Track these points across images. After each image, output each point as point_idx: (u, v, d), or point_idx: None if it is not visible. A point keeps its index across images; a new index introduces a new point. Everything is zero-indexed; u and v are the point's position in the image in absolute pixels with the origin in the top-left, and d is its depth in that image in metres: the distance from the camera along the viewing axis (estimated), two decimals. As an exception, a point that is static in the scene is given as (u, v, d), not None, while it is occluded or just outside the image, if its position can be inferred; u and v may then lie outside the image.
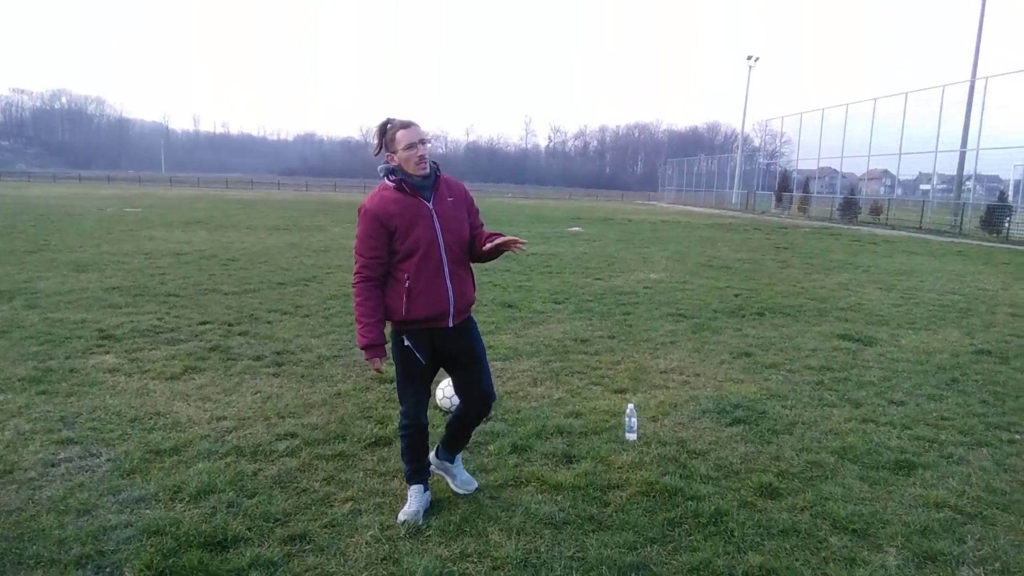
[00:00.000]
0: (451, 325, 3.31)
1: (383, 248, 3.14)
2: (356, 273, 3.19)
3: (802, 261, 14.82)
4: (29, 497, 3.40)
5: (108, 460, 3.87)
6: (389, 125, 3.17)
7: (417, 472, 3.43)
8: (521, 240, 3.26)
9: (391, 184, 3.15)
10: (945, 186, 37.25)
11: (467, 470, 3.78)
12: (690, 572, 2.94)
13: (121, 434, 4.23)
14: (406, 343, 3.25)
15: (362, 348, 3.22)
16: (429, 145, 3.21)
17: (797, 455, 4.20)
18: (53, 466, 3.77)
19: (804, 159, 43.80)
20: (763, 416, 4.85)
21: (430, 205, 3.19)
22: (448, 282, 3.23)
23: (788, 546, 3.16)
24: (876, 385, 5.68)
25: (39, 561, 2.85)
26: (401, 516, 3.31)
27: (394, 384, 5.07)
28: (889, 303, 9.65)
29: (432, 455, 3.66)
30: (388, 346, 3.35)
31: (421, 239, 3.14)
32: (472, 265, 3.47)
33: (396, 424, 4.44)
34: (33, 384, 5.10)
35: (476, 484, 3.65)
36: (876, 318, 8.52)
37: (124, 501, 3.40)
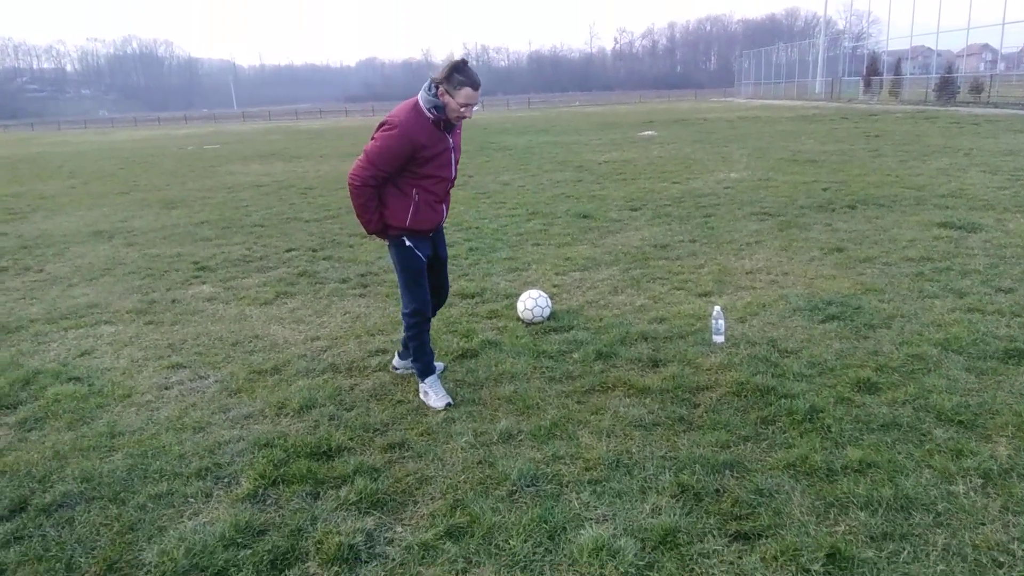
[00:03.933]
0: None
1: (399, 167, 3.36)
2: (363, 179, 3.37)
3: (896, 148, 13.91)
4: (148, 418, 3.66)
5: (216, 381, 4.10)
6: (462, 75, 3.23)
7: (430, 364, 3.73)
8: None
9: (429, 116, 3.29)
10: (1054, 56, 33.83)
11: (554, 378, 3.86)
12: (786, 468, 2.90)
13: (225, 357, 4.47)
14: (407, 243, 3.53)
15: (370, 233, 3.56)
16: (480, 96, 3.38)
17: (897, 349, 4.04)
18: (166, 389, 4.03)
19: (895, 38, 40.79)
20: (858, 311, 4.66)
21: (451, 141, 3.45)
22: (444, 203, 3.60)
23: (889, 440, 3.07)
24: (982, 273, 5.35)
25: (163, 475, 3.08)
26: (440, 404, 3.59)
27: (477, 300, 5.13)
28: (994, 186, 8.98)
29: (399, 361, 4.06)
30: (386, 246, 3.63)
31: (439, 168, 3.44)
32: None
33: (481, 337, 4.52)
34: (140, 315, 5.42)
35: (443, 364, 4.09)
36: (980, 203, 7.96)
37: (234, 418, 3.62)
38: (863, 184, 9.70)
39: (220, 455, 3.24)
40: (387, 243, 3.62)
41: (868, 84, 40.09)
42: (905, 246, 6.27)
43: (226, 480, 3.04)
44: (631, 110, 42.98)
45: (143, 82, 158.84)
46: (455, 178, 3.63)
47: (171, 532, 2.67)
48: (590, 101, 72.82)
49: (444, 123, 3.35)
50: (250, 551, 2.54)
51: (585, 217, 8.48)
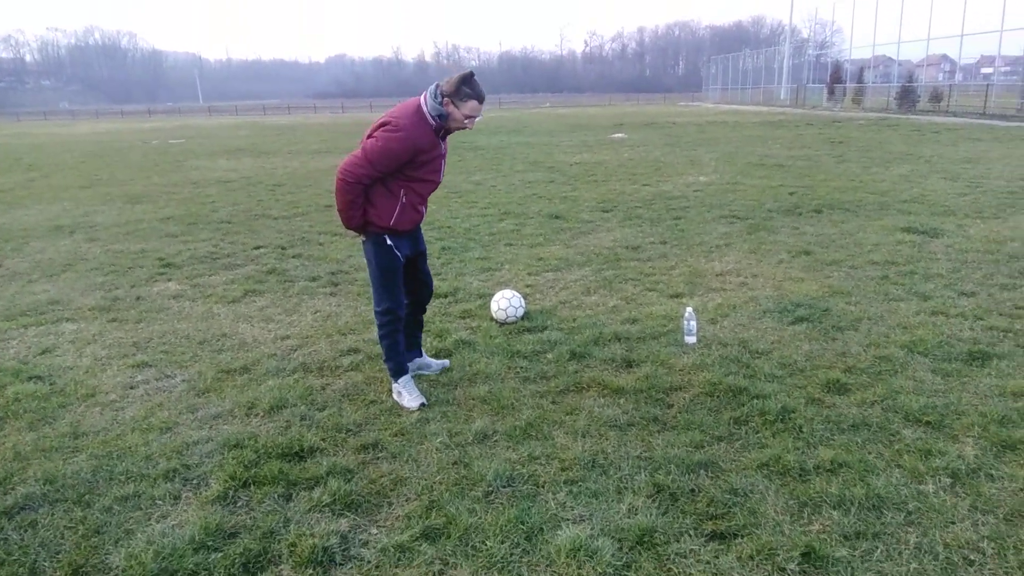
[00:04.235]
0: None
1: (395, 168, 3.36)
2: (357, 176, 3.34)
3: (859, 155, 14.20)
4: (113, 418, 3.56)
5: (183, 380, 4.01)
6: (470, 87, 3.28)
7: (403, 364, 3.70)
8: None
9: (431, 122, 3.33)
10: (1009, 68, 34.89)
11: (528, 378, 3.86)
12: (760, 468, 2.93)
13: (192, 356, 4.37)
14: (388, 242, 3.51)
15: (350, 228, 3.53)
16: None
17: (864, 350, 4.11)
18: (132, 388, 3.92)
19: (857, 47, 41.45)
20: (826, 313, 4.74)
21: (443, 147, 3.51)
22: (425, 204, 3.63)
23: (859, 440, 3.13)
24: (945, 277, 5.48)
25: (129, 476, 3.00)
26: (414, 404, 3.57)
27: (450, 299, 5.09)
28: (955, 193, 9.22)
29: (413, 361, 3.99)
30: (362, 243, 3.61)
31: (430, 172, 3.49)
32: None
33: (455, 337, 4.49)
34: (103, 312, 5.28)
35: (448, 362, 4.09)
36: (941, 209, 8.16)
37: (202, 418, 3.54)
38: (828, 189, 9.88)
39: (188, 456, 3.16)
40: (362, 239, 3.58)
41: (832, 92, 40.90)
42: (870, 250, 6.40)
43: (195, 482, 2.97)
44: (601, 112, 43.24)
45: (106, 74, 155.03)
46: (440, 182, 3.64)
47: (139, 535, 2.60)
48: (561, 103, 73.12)
49: (445, 132, 3.43)
50: (221, 554, 2.49)
51: (557, 218, 8.50)
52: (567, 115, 40.33)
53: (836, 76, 41.60)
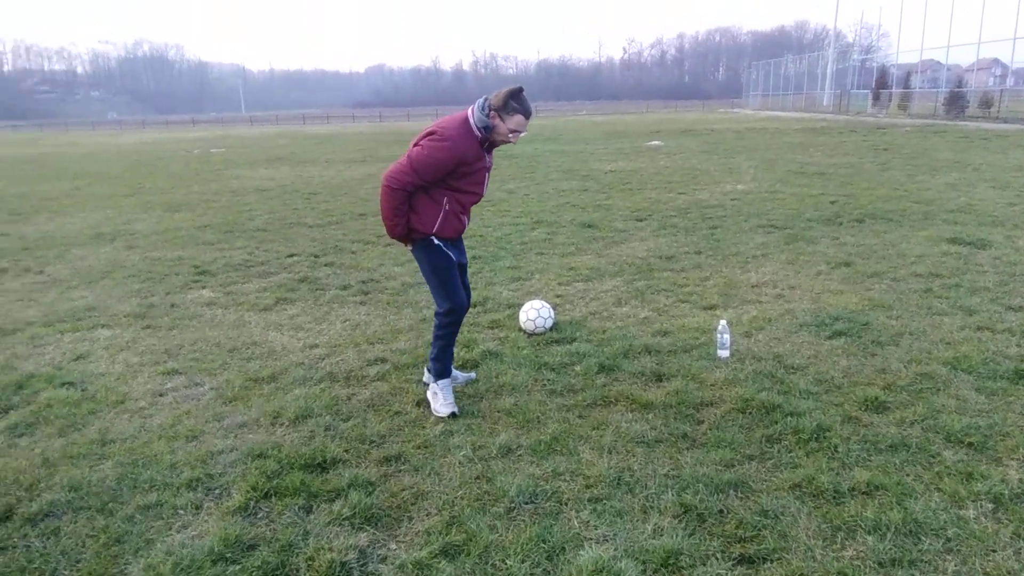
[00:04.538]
0: None
1: (440, 178, 3.38)
2: (402, 183, 3.35)
3: (904, 162, 13.82)
4: (141, 425, 3.60)
5: (211, 388, 4.04)
6: (517, 102, 3.30)
7: (449, 367, 3.72)
8: None
9: (478, 134, 3.36)
10: (1065, 71, 33.70)
11: (555, 391, 3.79)
12: (792, 488, 2.82)
13: (222, 364, 4.41)
14: (436, 242, 3.53)
15: (395, 237, 3.54)
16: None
17: (905, 367, 3.95)
18: (161, 395, 3.97)
19: (904, 52, 40.69)
20: (866, 328, 4.58)
21: (488, 160, 3.52)
22: (467, 215, 3.65)
23: (897, 461, 2.99)
24: (991, 291, 5.26)
25: (153, 484, 3.02)
26: (445, 411, 3.56)
27: (479, 309, 5.05)
28: (1004, 202, 8.89)
29: (428, 375, 3.88)
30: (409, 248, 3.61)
31: (474, 184, 3.50)
32: None
33: (481, 348, 4.45)
34: (138, 319, 5.36)
35: (474, 375, 4.07)
36: (989, 219, 7.87)
37: (228, 427, 3.55)
38: (871, 198, 9.62)
39: (212, 465, 3.17)
40: (411, 248, 3.60)
41: (877, 97, 40.01)
42: (913, 261, 6.19)
43: (217, 492, 2.97)
44: (638, 120, 42.98)
45: (153, 85, 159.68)
46: (483, 194, 3.64)
47: (158, 545, 2.60)
48: (597, 110, 72.90)
49: (490, 145, 3.46)
50: (239, 567, 2.47)
51: (590, 227, 8.42)
52: (603, 122, 40.18)
53: (882, 81, 40.67)
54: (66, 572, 2.48)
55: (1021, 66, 38.16)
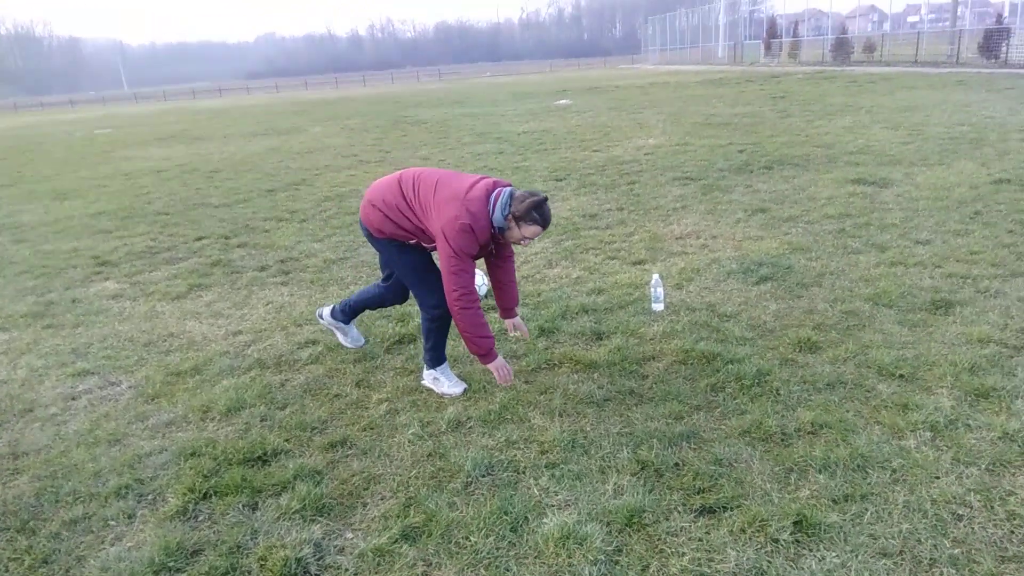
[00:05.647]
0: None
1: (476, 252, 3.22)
2: (462, 284, 3.12)
3: (801, 109, 14.33)
4: (55, 433, 3.31)
5: (129, 387, 3.76)
6: (539, 214, 3.13)
7: (443, 352, 3.53)
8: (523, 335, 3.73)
9: (493, 229, 3.20)
10: (934, 16, 35.75)
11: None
12: (742, 435, 2.87)
13: (138, 359, 4.11)
14: (413, 241, 3.32)
15: (484, 353, 3.27)
16: None
17: (831, 307, 4.09)
18: (73, 399, 3.66)
19: (790, 1, 41.88)
20: (789, 271, 4.72)
21: (492, 246, 3.34)
22: None
23: (836, 399, 3.09)
24: (899, 227, 5.52)
25: (78, 497, 2.78)
26: (457, 390, 3.43)
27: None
28: (898, 142, 9.35)
29: (327, 312, 3.95)
30: (386, 244, 3.37)
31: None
32: None
33: (416, 321, 4.32)
34: (37, 319, 4.94)
35: (364, 340, 4.06)
36: (887, 158, 8.26)
37: (154, 426, 3.31)
38: (776, 144, 9.93)
39: (141, 470, 2.95)
40: (376, 245, 3.41)
41: (768, 47, 41.32)
42: (824, 204, 6.42)
43: (150, 497, 2.76)
44: (543, 79, 42.86)
45: (21, 64, 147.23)
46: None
47: (91, 562, 2.40)
48: (500, 71, 72.27)
49: (496, 244, 3.35)
50: (185, 575, 2.31)
51: (509, 189, 8.32)
52: (509, 83, 39.85)
53: (772, 31, 41.99)
54: (-11, 604, 2.25)
55: (895, 11, 40.21)
